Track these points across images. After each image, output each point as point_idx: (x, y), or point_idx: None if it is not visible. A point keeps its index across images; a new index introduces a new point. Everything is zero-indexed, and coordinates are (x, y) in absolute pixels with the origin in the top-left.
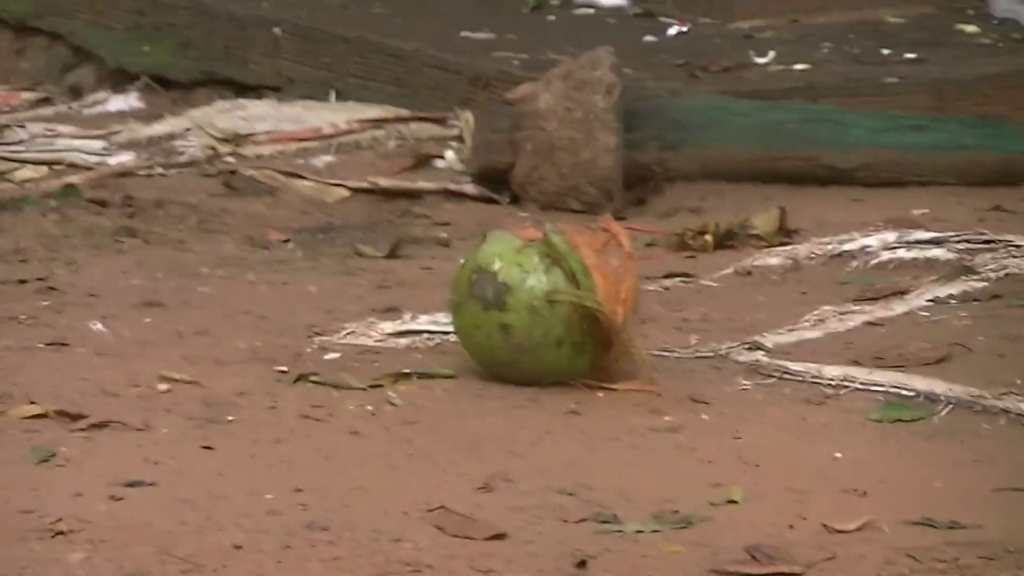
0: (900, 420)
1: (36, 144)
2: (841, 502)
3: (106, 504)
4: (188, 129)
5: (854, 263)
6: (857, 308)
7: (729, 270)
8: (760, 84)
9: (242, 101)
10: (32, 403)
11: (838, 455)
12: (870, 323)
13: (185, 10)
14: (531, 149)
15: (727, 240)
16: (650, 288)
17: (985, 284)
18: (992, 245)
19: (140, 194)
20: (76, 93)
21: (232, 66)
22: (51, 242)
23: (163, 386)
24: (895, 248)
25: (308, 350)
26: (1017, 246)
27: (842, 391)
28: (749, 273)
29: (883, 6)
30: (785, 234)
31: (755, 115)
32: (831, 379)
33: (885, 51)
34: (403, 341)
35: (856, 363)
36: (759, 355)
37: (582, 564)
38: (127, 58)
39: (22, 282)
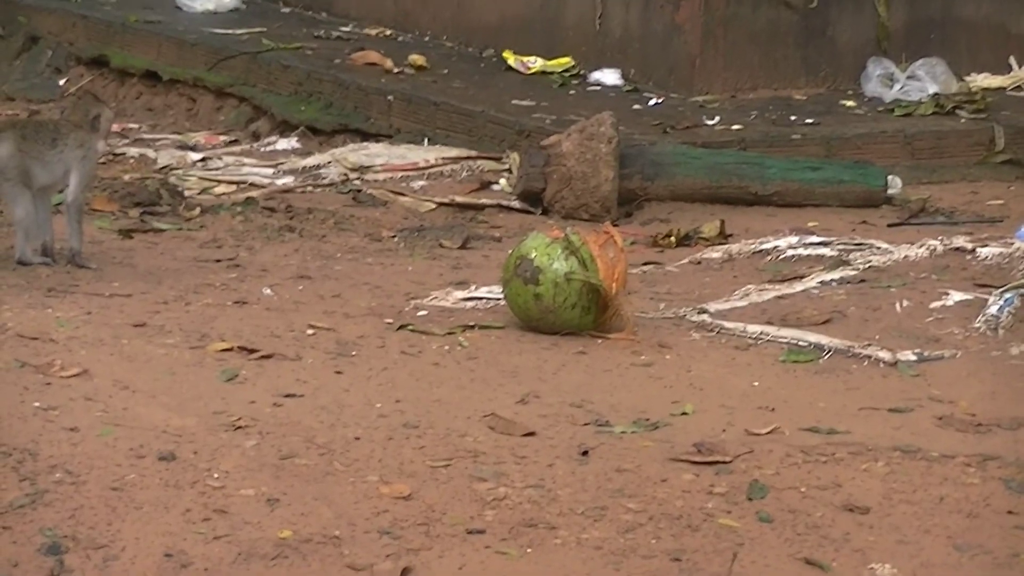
0: (797, 361)
1: (228, 170)
2: (757, 415)
3: (270, 408)
4: (329, 162)
5: (769, 257)
6: (770, 287)
7: (686, 261)
8: (709, 138)
9: (366, 144)
10: (223, 341)
11: (756, 384)
12: (779, 296)
13: (328, 82)
14: (556, 178)
15: (685, 241)
16: (633, 271)
17: (855, 272)
18: (860, 246)
19: (297, 204)
20: (256, 137)
21: (359, 120)
22: (237, 235)
23: (310, 331)
24: (796, 247)
25: (406, 309)
26: (878, 247)
27: (759, 342)
28: (699, 263)
29: (792, 88)
30: (723, 237)
31: (705, 158)
32: (752, 333)
33: (792, 117)
34: (469, 304)
35: (769, 323)
36: (705, 317)
37: (585, 453)
38: (290, 114)
39: (217, 261)
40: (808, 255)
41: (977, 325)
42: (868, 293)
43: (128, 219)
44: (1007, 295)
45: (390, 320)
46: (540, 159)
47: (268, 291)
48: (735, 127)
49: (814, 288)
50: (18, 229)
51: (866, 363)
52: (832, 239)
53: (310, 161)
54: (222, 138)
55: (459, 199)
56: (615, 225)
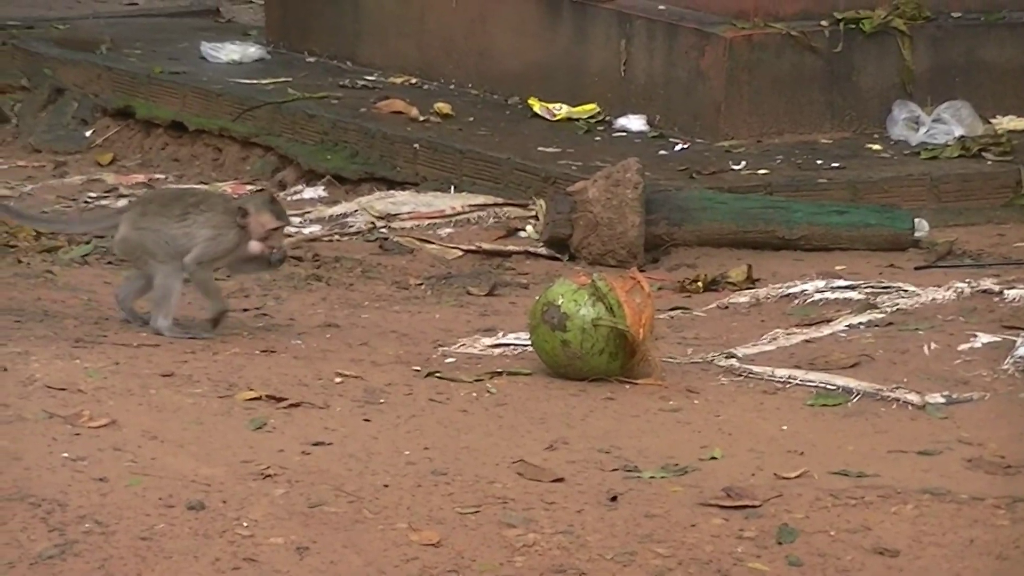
0: (826, 405)
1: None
2: (786, 459)
3: (299, 456)
4: (356, 210)
5: (796, 301)
6: (798, 330)
7: (713, 305)
8: (735, 183)
9: (392, 192)
10: (251, 389)
11: (784, 428)
12: (807, 340)
13: (354, 131)
14: (583, 224)
15: (712, 286)
16: (661, 317)
17: (883, 315)
18: (888, 289)
19: (324, 253)
20: (282, 186)
21: (385, 168)
22: (264, 284)
23: (338, 379)
24: (823, 291)
25: (434, 356)
26: (905, 290)
27: (787, 386)
28: (727, 307)
29: (817, 132)
30: (751, 282)
31: (732, 203)
32: (780, 377)
33: (818, 161)
34: (497, 351)
35: (797, 367)
36: (733, 361)
37: (614, 499)
38: (316, 163)
39: (244, 310)
40: (835, 299)
41: (1005, 367)
42: (896, 336)
43: None
44: None
45: (418, 368)
46: (566, 205)
47: (296, 340)
48: (761, 172)
49: (842, 332)
50: (157, 299)
51: (894, 406)
52: (859, 282)
53: (337, 210)
54: (248, 188)
55: (486, 246)
56: (642, 271)
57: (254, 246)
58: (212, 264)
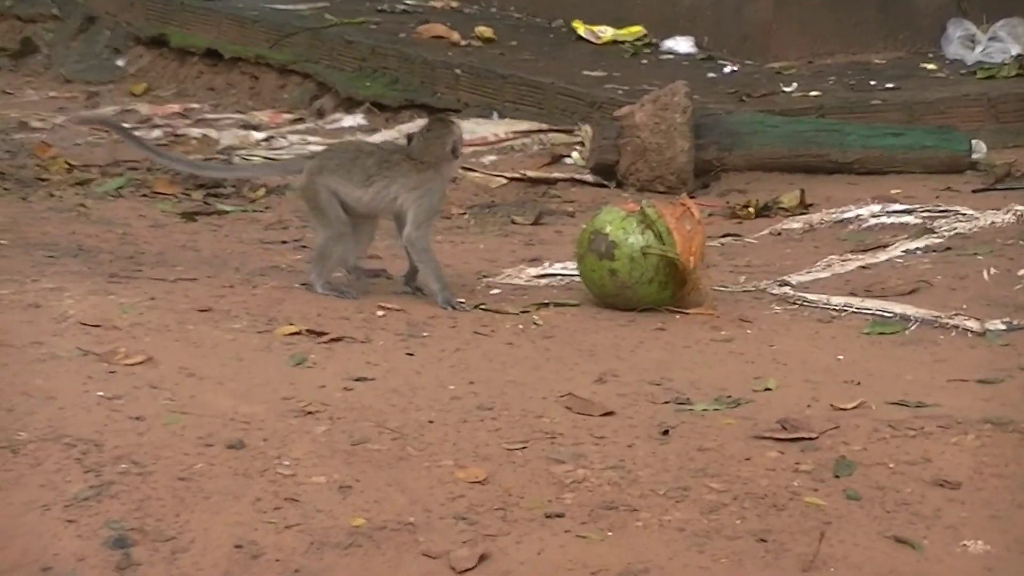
0: (883, 333)
1: (293, 148)
2: (842, 389)
3: (340, 393)
4: (396, 138)
5: (851, 226)
6: (853, 256)
7: (765, 232)
8: (786, 105)
9: None
10: (290, 324)
11: (840, 357)
12: (862, 267)
13: (393, 57)
14: (631, 150)
15: (764, 211)
16: (712, 244)
17: (941, 240)
18: (945, 213)
19: None
20: (320, 114)
21: (426, 95)
22: (303, 216)
23: (380, 313)
24: (879, 216)
25: (478, 287)
26: (963, 214)
27: (843, 314)
28: (779, 234)
29: (871, 52)
30: (803, 207)
31: (783, 127)
32: (836, 305)
33: (872, 82)
34: (543, 281)
35: (853, 294)
36: (786, 289)
37: (666, 432)
38: (355, 90)
39: (283, 243)
40: (891, 223)
41: None
42: (954, 261)
43: (191, 201)
44: None
45: (462, 299)
46: (613, 131)
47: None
48: (813, 94)
49: (898, 257)
50: (315, 256)
51: (953, 333)
52: (916, 207)
53: (377, 138)
54: (286, 116)
55: (530, 174)
56: (692, 197)
57: (457, 167)
58: (433, 221)
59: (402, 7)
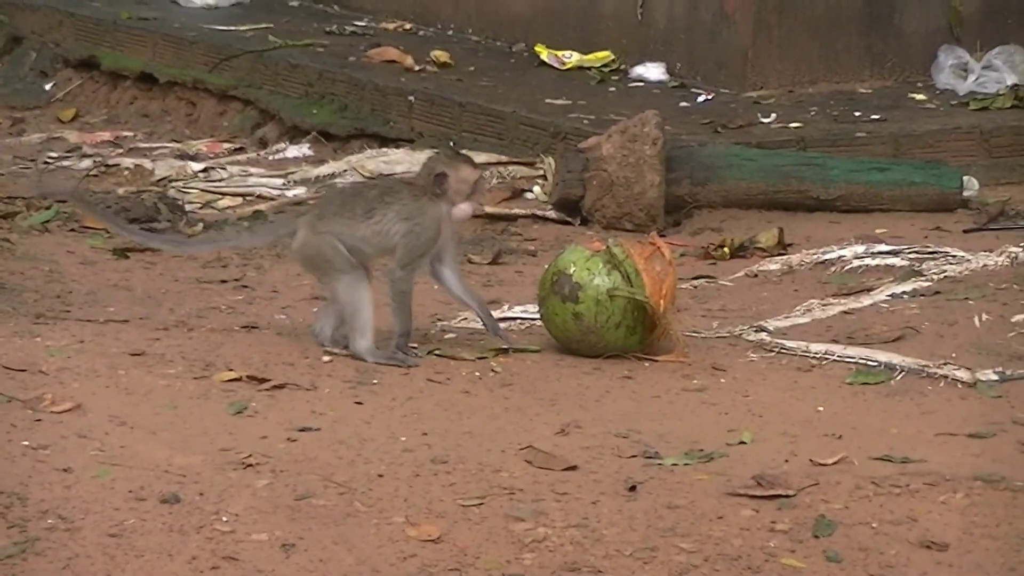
0: (867, 383)
1: (233, 181)
2: (823, 443)
3: (284, 444)
4: (345, 170)
5: (833, 268)
6: (835, 301)
7: (741, 273)
8: (764, 137)
9: (384, 149)
10: (230, 369)
11: (821, 409)
12: (845, 312)
13: (342, 83)
14: (597, 184)
15: (740, 251)
16: (683, 286)
17: (929, 283)
18: (934, 255)
19: None
20: (263, 144)
21: (377, 124)
22: (244, 253)
23: (326, 358)
24: (863, 257)
25: (432, 331)
26: (953, 255)
27: (824, 362)
28: (756, 276)
29: (855, 80)
30: (782, 247)
31: (761, 160)
32: (816, 353)
33: (857, 113)
34: (502, 325)
35: (834, 341)
36: (763, 335)
37: (633, 488)
38: (300, 118)
39: (223, 281)
40: (876, 265)
41: None
42: (943, 306)
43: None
44: None
45: (415, 344)
46: (578, 164)
47: (280, 315)
48: (793, 125)
49: (883, 302)
50: (347, 318)
51: (942, 384)
52: (902, 247)
53: (324, 170)
54: (226, 146)
55: (489, 209)
56: (662, 235)
57: (462, 210)
58: (420, 263)
59: (352, 29)
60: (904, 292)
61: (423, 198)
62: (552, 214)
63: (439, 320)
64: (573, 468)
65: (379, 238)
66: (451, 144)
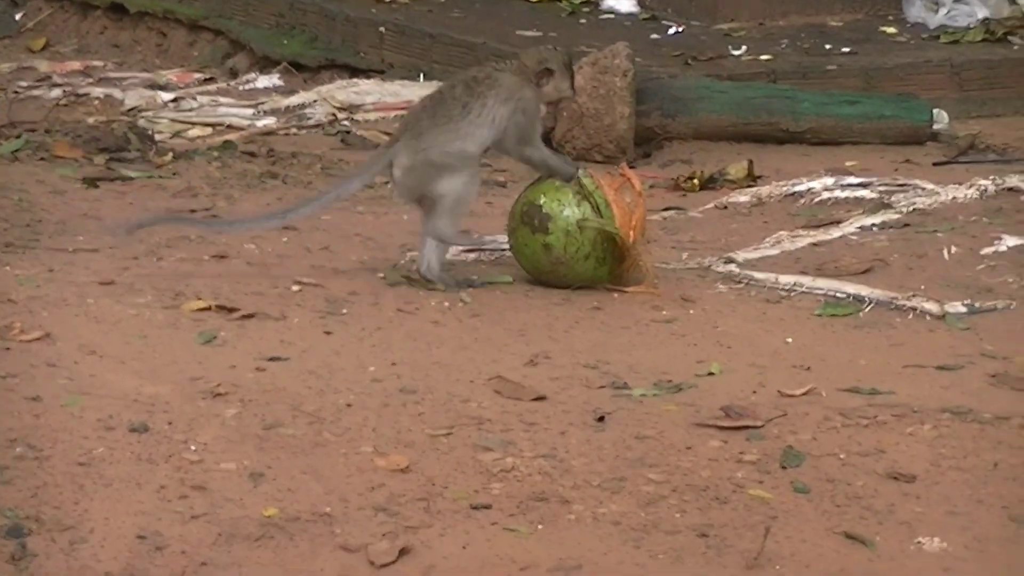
0: (835, 315)
1: (203, 111)
2: (791, 375)
3: (253, 374)
4: (315, 101)
5: (802, 200)
6: (804, 233)
7: (711, 205)
8: (735, 70)
9: (355, 80)
10: (199, 299)
11: (789, 340)
12: (814, 244)
13: (313, 13)
14: (567, 116)
15: (709, 183)
16: (653, 218)
17: (898, 216)
18: (904, 187)
19: (280, 148)
20: (233, 74)
21: (348, 55)
22: (214, 182)
23: (295, 287)
24: (832, 189)
25: (402, 262)
26: (922, 188)
27: (793, 294)
28: (725, 207)
29: (826, 13)
30: (752, 179)
31: (731, 92)
32: (785, 285)
33: (827, 46)
34: (472, 255)
35: (803, 273)
36: (732, 267)
37: (601, 419)
38: (271, 48)
39: (192, 211)
40: (846, 198)
41: None
42: (912, 239)
43: (93, 166)
44: None
45: (384, 275)
46: None
47: (249, 244)
48: (764, 58)
49: (853, 234)
50: (448, 206)
51: (911, 316)
52: (872, 180)
53: (294, 100)
54: (196, 76)
55: None
56: (632, 167)
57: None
58: (538, 137)
59: None
60: (873, 224)
61: (522, 80)
62: None
63: (409, 251)
64: (542, 398)
65: (483, 129)
66: (562, 50)
